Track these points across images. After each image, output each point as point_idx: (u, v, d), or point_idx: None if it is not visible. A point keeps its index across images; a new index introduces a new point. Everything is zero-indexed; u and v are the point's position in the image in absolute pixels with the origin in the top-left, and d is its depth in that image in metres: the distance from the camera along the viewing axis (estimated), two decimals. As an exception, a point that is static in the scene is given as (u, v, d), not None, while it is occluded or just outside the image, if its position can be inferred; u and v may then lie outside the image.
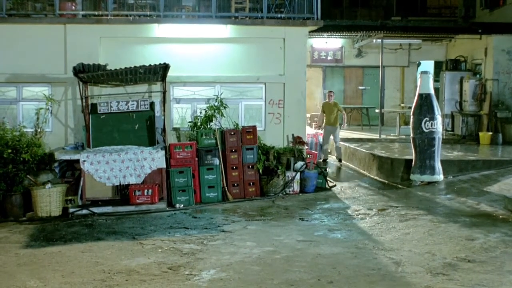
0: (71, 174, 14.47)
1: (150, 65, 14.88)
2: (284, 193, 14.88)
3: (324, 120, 19.42)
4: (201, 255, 9.46)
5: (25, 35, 16.38)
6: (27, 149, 13.85)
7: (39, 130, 15.85)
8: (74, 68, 14.88)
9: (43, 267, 9.04)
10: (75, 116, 16.34)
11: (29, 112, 16.50)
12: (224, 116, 15.87)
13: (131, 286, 8.10)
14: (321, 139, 19.48)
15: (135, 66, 14.90)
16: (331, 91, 19.92)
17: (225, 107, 15.87)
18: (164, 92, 15.55)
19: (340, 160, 19.34)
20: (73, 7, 16.75)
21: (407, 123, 19.69)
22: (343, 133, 20.57)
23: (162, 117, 15.43)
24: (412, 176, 15.22)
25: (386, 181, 15.95)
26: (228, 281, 8.21)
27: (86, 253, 9.81)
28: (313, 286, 7.96)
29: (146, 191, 13.46)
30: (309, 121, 23.29)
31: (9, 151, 13.57)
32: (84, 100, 15.16)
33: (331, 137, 19.43)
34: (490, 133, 19.94)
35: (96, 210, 13.11)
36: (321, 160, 18.52)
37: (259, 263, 9.05)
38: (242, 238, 10.53)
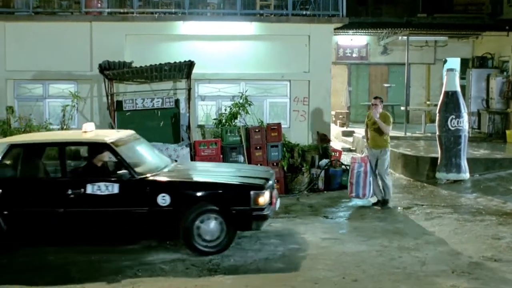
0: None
1: (175, 62, 14.94)
2: (309, 190, 14.85)
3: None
4: (225, 252, 9.46)
5: (51, 33, 16.51)
6: (53, 146, 13.94)
7: (65, 127, 15.96)
8: (100, 65, 14.98)
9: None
10: (100, 113, 16.43)
11: (55, 109, 16.64)
12: (248, 113, 15.87)
13: (155, 282, 8.14)
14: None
15: (160, 64, 14.97)
16: (376, 98, 13.37)
17: (249, 104, 15.88)
18: (189, 89, 15.60)
19: (384, 202, 12.97)
20: (99, 5, 16.87)
21: (433, 121, 19.53)
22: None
23: (187, 114, 15.47)
24: (437, 174, 15.10)
25: (411, 179, 15.85)
26: (252, 279, 8.21)
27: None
28: (338, 284, 7.93)
29: (170, 188, 13.45)
30: (333, 119, 23.24)
31: (36, 147, 13.67)
32: (109, 97, 15.26)
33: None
34: (517, 131, 19.73)
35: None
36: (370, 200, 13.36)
37: (284, 260, 9.04)
38: (267, 235, 10.49)
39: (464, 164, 14.90)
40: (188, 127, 15.44)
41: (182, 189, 9.65)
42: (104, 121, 16.19)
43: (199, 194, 9.57)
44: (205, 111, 17.15)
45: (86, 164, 10.30)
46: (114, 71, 15.00)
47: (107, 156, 10.10)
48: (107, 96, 15.36)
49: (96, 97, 16.58)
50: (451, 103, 14.90)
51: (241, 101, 15.85)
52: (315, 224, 11.44)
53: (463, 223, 11.23)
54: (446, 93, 15.04)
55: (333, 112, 22.08)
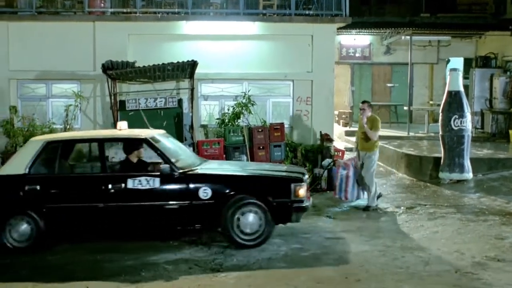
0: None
1: (178, 62, 14.94)
2: (312, 190, 14.80)
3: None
4: (228, 251, 9.47)
5: (54, 33, 16.54)
6: (56, 146, 13.97)
7: (68, 127, 16.00)
8: (103, 65, 14.99)
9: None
10: (103, 113, 16.46)
11: (59, 108, 16.68)
12: (251, 113, 15.88)
13: (158, 282, 8.14)
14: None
15: (163, 63, 14.98)
16: (364, 102, 13.20)
17: (252, 104, 15.88)
18: (192, 89, 15.60)
19: (364, 208, 12.74)
20: (102, 5, 16.90)
21: (436, 121, 19.50)
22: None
23: (190, 114, 15.48)
24: (441, 174, 15.07)
25: (414, 179, 15.82)
26: (255, 278, 8.21)
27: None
28: (340, 284, 7.93)
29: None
30: (336, 118, 23.23)
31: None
32: (112, 97, 15.26)
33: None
34: (521, 131, 19.68)
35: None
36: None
37: (286, 260, 9.03)
38: (269, 235, 10.51)
39: (467, 164, 14.87)
40: (191, 126, 15.44)
41: (223, 182, 9.84)
42: (107, 121, 16.21)
43: (240, 186, 9.78)
44: (208, 111, 17.17)
45: (124, 160, 10.51)
46: (117, 71, 15.01)
47: (143, 152, 10.42)
48: (110, 95, 15.36)
49: (99, 97, 16.60)
50: (454, 103, 14.87)
51: (244, 101, 15.85)
52: (318, 224, 11.43)
53: (466, 223, 11.21)
54: (449, 93, 15.01)
55: (336, 112, 22.05)
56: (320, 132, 16.43)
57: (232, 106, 16.01)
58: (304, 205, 9.82)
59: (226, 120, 15.77)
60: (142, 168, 10.18)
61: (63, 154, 10.36)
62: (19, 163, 9.91)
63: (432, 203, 13.10)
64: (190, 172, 9.82)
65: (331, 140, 16.15)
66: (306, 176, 10.39)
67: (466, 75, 21.70)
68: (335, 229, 11.02)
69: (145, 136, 10.18)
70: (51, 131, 15.25)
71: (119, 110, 15.05)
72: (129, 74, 15.34)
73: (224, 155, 14.57)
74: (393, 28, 22.41)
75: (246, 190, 9.72)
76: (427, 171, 15.73)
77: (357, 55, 25.34)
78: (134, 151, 10.31)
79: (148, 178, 9.61)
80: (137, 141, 10.28)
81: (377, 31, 23.41)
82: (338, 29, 18.07)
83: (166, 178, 9.61)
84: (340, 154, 15.82)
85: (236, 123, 15.60)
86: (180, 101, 15.25)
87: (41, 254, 9.61)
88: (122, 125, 10.88)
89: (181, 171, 9.70)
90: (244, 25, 16.87)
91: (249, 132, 15.14)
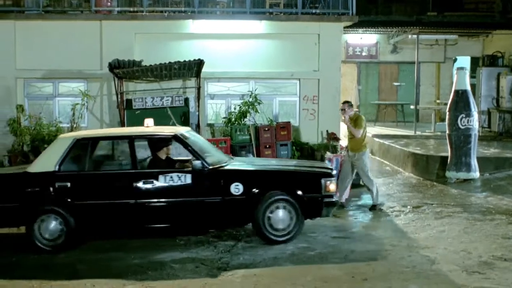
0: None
1: (184, 61, 14.97)
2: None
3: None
4: (235, 250, 9.47)
5: (61, 32, 16.58)
6: (63, 144, 13.99)
7: (75, 126, 16.04)
8: (110, 64, 15.01)
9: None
10: (110, 112, 16.50)
11: (65, 107, 16.72)
12: (258, 112, 15.89)
13: (164, 281, 8.15)
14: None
15: (169, 62, 14.99)
16: (344, 102, 13.19)
17: (259, 103, 15.89)
18: (198, 88, 15.62)
19: (371, 207, 12.61)
20: (109, 4, 16.94)
21: (442, 120, 19.45)
22: (378, 130, 20.00)
23: (197, 113, 15.49)
24: (447, 173, 15.03)
25: (421, 178, 15.79)
26: (261, 277, 8.20)
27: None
28: (347, 283, 7.92)
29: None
30: (343, 118, 23.20)
31: (46, 146, 13.73)
32: (119, 96, 15.29)
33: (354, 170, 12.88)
34: (528, 130, 19.62)
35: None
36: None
37: (293, 259, 9.03)
38: (276, 234, 10.50)
39: (474, 163, 14.82)
40: (198, 125, 15.45)
41: (255, 177, 9.94)
42: (114, 120, 16.24)
43: (271, 182, 9.89)
44: (214, 110, 17.19)
45: (152, 157, 10.55)
46: (124, 70, 15.03)
47: (171, 149, 10.55)
48: (116, 94, 15.39)
49: (106, 96, 16.64)
50: (461, 102, 14.82)
51: (250, 99, 15.86)
52: (324, 223, 11.38)
53: (473, 222, 11.18)
54: (456, 91, 14.96)
55: (342, 111, 22.03)
56: (327, 131, 16.42)
57: (238, 105, 16.04)
58: (334, 199, 9.99)
59: (233, 119, 15.79)
60: (171, 165, 10.27)
61: (92, 151, 10.32)
62: (48, 161, 9.86)
63: (439, 202, 13.06)
64: (221, 168, 9.88)
65: (337, 139, 16.14)
66: (335, 171, 10.48)
67: (473, 74, 21.61)
68: (342, 228, 11.01)
69: (176, 132, 10.24)
70: (58, 130, 15.29)
71: (125, 109, 15.09)
72: (135, 73, 15.37)
73: (231, 154, 14.57)
74: (400, 27, 22.35)
75: (277, 186, 9.79)
76: (434, 170, 15.69)
77: (363, 54, 25.30)
78: (164, 148, 10.39)
79: (180, 174, 9.65)
80: (168, 138, 10.34)
81: (384, 30, 23.35)
82: (344, 28, 18.06)
83: (197, 174, 9.64)
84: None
85: (243, 122, 15.62)
86: (186, 100, 15.27)
87: (48, 252, 9.64)
88: (149, 122, 10.92)
89: (211, 167, 9.73)
90: (250, 24, 16.88)
91: (255, 131, 15.15)
